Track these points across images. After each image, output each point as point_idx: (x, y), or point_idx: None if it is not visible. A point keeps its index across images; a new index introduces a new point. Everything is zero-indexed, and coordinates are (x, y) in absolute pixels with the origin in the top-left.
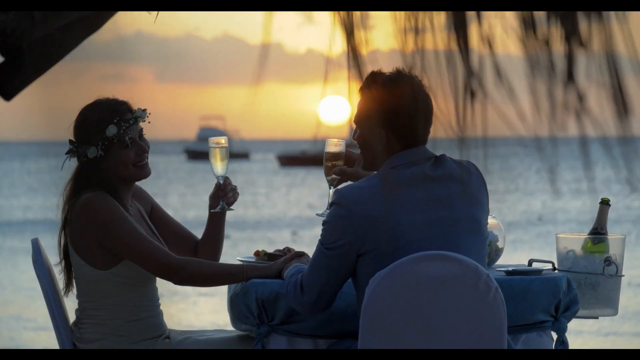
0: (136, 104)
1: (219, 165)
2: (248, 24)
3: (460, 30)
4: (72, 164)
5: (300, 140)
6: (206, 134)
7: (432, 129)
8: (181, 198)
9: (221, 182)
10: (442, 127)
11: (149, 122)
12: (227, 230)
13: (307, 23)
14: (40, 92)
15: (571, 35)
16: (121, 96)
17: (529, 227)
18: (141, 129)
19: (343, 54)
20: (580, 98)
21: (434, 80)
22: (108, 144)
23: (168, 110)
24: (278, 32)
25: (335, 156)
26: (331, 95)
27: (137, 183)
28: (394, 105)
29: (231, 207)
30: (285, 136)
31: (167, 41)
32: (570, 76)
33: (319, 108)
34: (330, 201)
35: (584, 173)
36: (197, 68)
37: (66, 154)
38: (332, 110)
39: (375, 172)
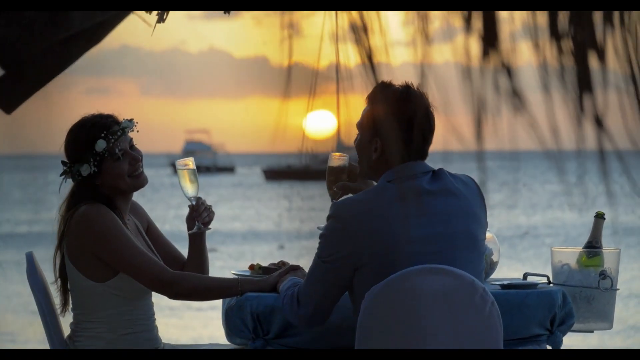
0: (122, 117)
1: (189, 187)
2: (234, 38)
3: (488, 47)
4: (69, 183)
5: (286, 154)
6: (192, 147)
7: (448, 143)
8: (165, 212)
9: (193, 203)
10: (459, 141)
11: (138, 132)
12: (214, 244)
13: (294, 36)
14: (27, 106)
15: (587, 44)
16: (107, 110)
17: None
18: (131, 139)
19: (330, 67)
20: (598, 112)
21: (453, 93)
22: (100, 159)
23: (154, 123)
24: (263, 46)
25: (337, 170)
26: (317, 108)
27: (134, 198)
28: (396, 119)
29: (208, 227)
30: (271, 150)
31: (153, 55)
32: (587, 86)
33: (305, 121)
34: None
35: (603, 186)
36: (183, 82)
37: (61, 175)
38: (318, 123)
39: (373, 186)
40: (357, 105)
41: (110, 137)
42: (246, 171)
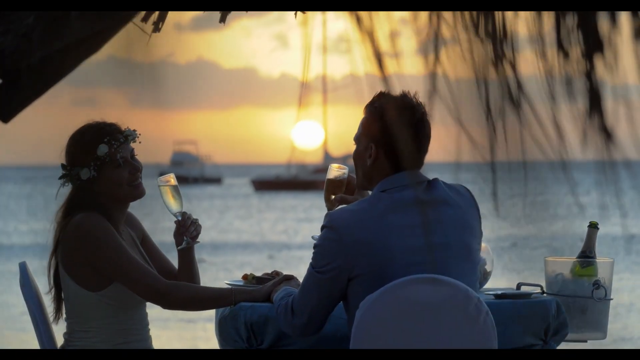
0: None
1: (172, 203)
2: (222, 48)
3: (498, 57)
4: (65, 190)
5: (274, 165)
6: (179, 158)
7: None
8: (154, 224)
9: (179, 218)
10: (473, 152)
11: (140, 142)
12: (202, 255)
13: (281, 47)
14: (19, 116)
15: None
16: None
17: None
18: (132, 149)
19: (317, 79)
20: (606, 123)
21: (465, 105)
22: (100, 163)
23: (142, 134)
24: (252, 58)
25: (336, 182)
26: (305, 119)
27: (130, 210)
28: (390, 128)
29: (197, 241)
30: (259, 160)
31: (141, 66)
32: (595, 98)
33: (293, 132)
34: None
35: (614, 198)
36: (171, 93)
37: (59, 178)
38: (306, 134)
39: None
40: (346, 116)
41: (113, 142)
42: (233, 182)
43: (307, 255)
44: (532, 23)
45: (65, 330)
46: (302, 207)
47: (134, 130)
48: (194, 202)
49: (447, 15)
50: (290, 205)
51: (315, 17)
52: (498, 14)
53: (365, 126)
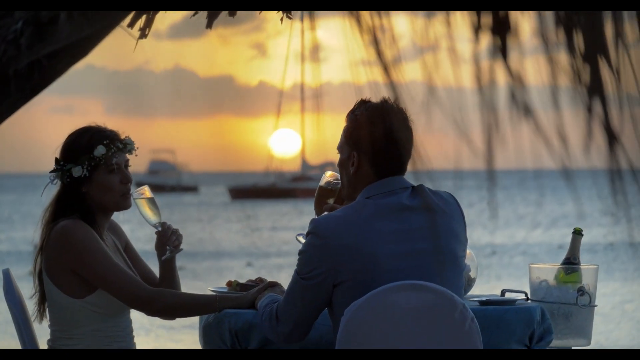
0: None
1: (150, 215)
2: (200, 57)
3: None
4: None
5: (251, 173)
6: (156, 167)
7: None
8: (132, 234)
9: (159, 229)
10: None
11: (136, 155)
12: (181, 262)
13: (260, 56)
14: None
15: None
16: (72, 128)
17: None
18: (127, 160)
19: (295, 87)
20: (611, 131)
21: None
22: (95, 164)
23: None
24: (229, 65)
25: (327, 190)
26: (283, 127)
27: (113, 217)
28: (372, 134)
29: (180, 249)
30: (237, 169)
31: (118, 74)
32: (601, 99)
33: (271, 141)
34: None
35: (620, 206)
36: (147, 101)
37: (50, 172)
38: (284, 142)
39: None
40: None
41: (112, 146)
42: (210, 190)
43: (287, 263)
44: (536, 27)
45: (49, 337)
46: (280, 215)
47: (133, 142)
48: (171, 211)
49: (445, 18)
50: (267, 213)
51: (294, 26)
52: (501, 17)
53: (347, 134)
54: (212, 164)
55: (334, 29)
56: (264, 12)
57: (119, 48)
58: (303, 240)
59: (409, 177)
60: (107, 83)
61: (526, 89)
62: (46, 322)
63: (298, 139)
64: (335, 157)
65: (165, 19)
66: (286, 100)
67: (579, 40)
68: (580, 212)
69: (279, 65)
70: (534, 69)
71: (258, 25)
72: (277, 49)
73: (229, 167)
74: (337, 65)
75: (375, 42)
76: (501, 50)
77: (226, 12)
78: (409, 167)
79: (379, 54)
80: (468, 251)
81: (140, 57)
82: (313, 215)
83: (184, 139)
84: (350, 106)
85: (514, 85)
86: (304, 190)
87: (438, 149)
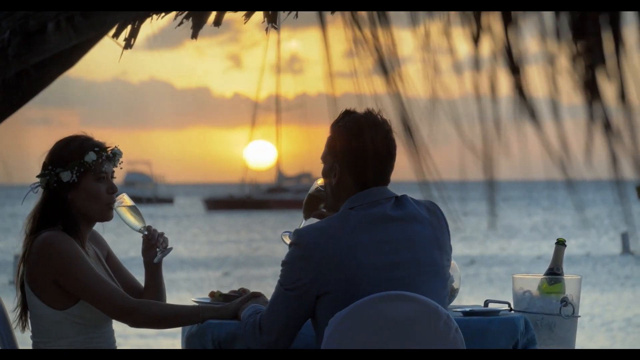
0: None
1: (134, 221)
2: (175, 68)
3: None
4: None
5: (227, 184)
6: (132, 178)
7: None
8: (113, 246)
9: (145, 233)
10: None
11: (121, 168)
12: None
13: (235, 67)
14: None
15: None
16: (49, 140)
17: None
18: (113, 171)
19: (269, 98)
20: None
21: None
22: (84, 170)
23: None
24: (205, 76)
25: (316, 199)
26: (258, 139)
27: (94, 228)
28: (353, 146)
29: (169, 248)
30: (212, 180)
31: (94, 85)
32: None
33: (246, 152)
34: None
35: (625, 217)
36: (124, 112)
37: (37, 177)
38: (259, 153)
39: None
40: (298, 135)
41: (103, 153)
42: (185, 202)
43: (265, 273)
44: (538, 32)
45: (30, 348)
46: (255, 226)
47: (121, 152)
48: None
49: (445, 27)
50: (243, 224)
51: (271, 37)
52: (501, 22)
53: (330, 145)
54: (188, 175)
55: (311, 40)
56: (242, 21)
57: (96, 59)
58: (288, 240)
59: (414, 188)
60: (84, 94)
61: (526, 97)
62: (28, 333)
63: (273, 151)
64: (311, 168)
65: (153, 28)
66: (261, 112)
67: (580, 47)
68: (583, 220)
69: (254, 76)
70: (536, 76)
71: (233, 37)
72: (252, 60)
73: (205, 179)
74: (313, 77)
75: (376, 51)
76: (503, 57)
77: (211, 22)
78: (415, 177)
79: (380, 62)
80: (452, 262)
81: (116, 68)
82: (292, 224)
83: (160, 150)
84: (329, 118)
85: (514, 93)
86: (280, 202)
87: (440, 159)
